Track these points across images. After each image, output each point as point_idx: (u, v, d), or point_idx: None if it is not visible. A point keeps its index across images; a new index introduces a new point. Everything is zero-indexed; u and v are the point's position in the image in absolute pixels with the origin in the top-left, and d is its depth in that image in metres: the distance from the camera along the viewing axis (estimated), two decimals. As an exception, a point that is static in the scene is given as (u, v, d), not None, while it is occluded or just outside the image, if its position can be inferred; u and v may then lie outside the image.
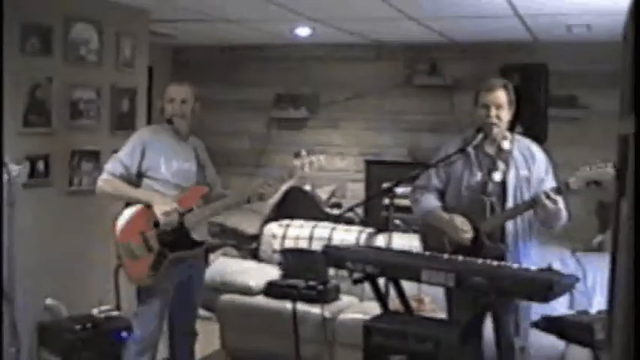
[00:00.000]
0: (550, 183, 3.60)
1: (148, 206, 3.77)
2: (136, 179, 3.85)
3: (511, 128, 3.78)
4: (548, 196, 3.43)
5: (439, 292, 4.85)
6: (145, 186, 3.85)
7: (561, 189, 3.46)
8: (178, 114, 3.93)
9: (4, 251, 3.71)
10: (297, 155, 4.03)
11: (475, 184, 3.69)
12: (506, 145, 3.69)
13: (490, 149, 3.72)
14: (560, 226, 3.63)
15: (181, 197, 3.86)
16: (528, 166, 3.66)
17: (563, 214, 3.55)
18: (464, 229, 3.62)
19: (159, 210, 3.74)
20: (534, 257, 3.69)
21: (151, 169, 3.84)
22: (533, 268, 3.35)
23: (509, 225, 3.61)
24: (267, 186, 3.96)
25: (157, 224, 3.77)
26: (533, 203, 3.50)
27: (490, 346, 3.70)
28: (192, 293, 4.07)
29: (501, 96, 3.66)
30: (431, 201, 3.83)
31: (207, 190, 4.00)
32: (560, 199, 3.45)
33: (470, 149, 3.69)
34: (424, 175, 3.88)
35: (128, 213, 3.82)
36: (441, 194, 3.84)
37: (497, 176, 3.65)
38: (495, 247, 3.59)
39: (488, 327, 3.70)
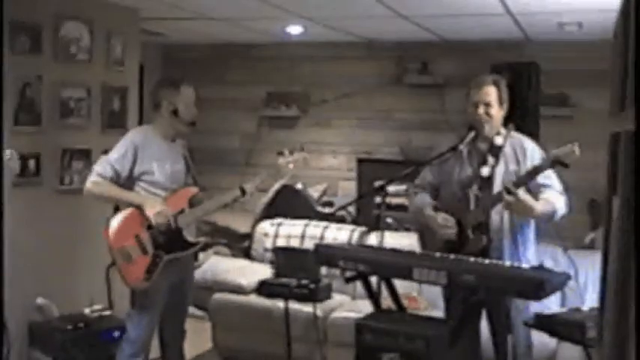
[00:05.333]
0: (543, 174, 3.53)
1: (140, 209, 3.77)
2: (126, 182, 3.84)
3: (505, 124, 3.77)
4: (508, 191, 3.38)
5: (432, 290, 4.88)
6: (139, 189, 3.85)
7: (521, 184, 3.40)
8: (197, 116, 3.97)
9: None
10: (281, 154, 4.08)
11: (465, 178, 3.70)
12: (498, 140, 3.69)
13: (482, 145, 3.72)
14: (550, 220, 3.58)
15: (171, 199, 3.86)
16: (518, 161, 3.64)
17: (538, 208, 3.45)
18: (447, 225, 3.66)
19: (151, 211, 3.74)
20: (530, 256, 3.67)
21: (146, 174, 3.83)
22: (525, 265, 3.36)
23: (494, 220, 3.60)
24: (260, 183, 4.02)
25: (150, 226, 3.77)
26: (499, 197, 3.48)
27: (489, 343, 3.69)
28: (183, 294, 4.08)
29: (490, 92, 3.65)
30: (423, 199, 3.86)
31: (197, 190, 4.01)
32: (521, 193, 3.36)
33: (461, 147, 3.70)
34: (420, 174, 3.93)
35: (120, 217, 3.80)
36: (436, 191, 3.86)
37: (484, 171, 3.65)
38: (476, 240, 3.60)
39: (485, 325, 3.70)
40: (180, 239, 3.86)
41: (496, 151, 3.68)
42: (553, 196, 3.54)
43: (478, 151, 3.73)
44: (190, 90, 3.97)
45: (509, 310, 3.57)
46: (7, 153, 3.73)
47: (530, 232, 3.72)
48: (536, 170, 3.42)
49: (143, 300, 3.86)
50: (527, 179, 3.45)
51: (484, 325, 3.71)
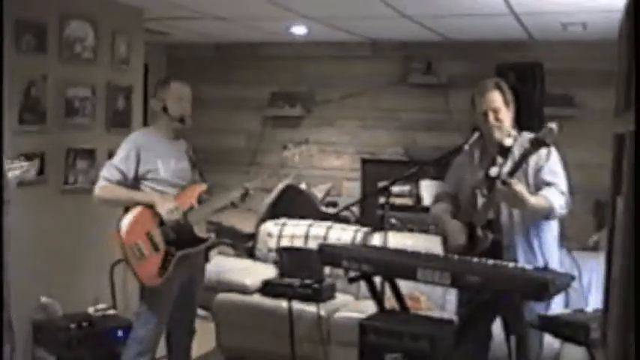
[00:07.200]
0: (548, 171, 3.54)
1: (150, 206, 3.78)
2: (133, 183, 3.86)
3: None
4: (503, 181, 3.35)
5: (438, 291, 4.88)
6: (145, 188, 3.87)
7: (513, 172, 3.39)
8: (188, 113, 3.95)
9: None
10: (286, 147, 4.08)
11: (476, 182, 3.69)
12: (508, 142, 3.67)
13: (492, 148, 3.71)
14: (546, 217, 3.53)
15: (180, 195, 3.87)
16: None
17: (531, 201, 3.40)
18: (457, 231, 3.67)
19: (162, 208, 3.76)
20: (550, 256, 3.61)
21: (150, 172, 3.85)
22: (529, 267, 3.34)
23: (504, 219, 3.59)
24: (266, 179, 4.05)
25: (161, 223, 3.79)
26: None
27: (499, 344, 3.67)
28: (193, 293, 4.08)
29: (496, 98, 3.64)
30: (440, 207, 3.88)
31: (205, 187, 4.01)
32: (514, 183, 3.33)
33: (466, 147, 3.70)
34: (439, 187, 4.04)
35: (131, 215, 3.81)
36: (456, 199, 3.86)
37: (493, 171, 3.64)
38: (484, 239, 3.58)
39: (496, 324, 3.69)
40: (190, 235, 3.88)
41: (505, 152, 3.66)
42: (551, 194, 3.49)
43: (489, 155, 3.72)
44: (179, 85, 3.95)
45: (522, 312, 3.54)
46: (25, 165, 3.75)
47: (550, 232, 3.65)
48: (523, 155, 3.41)
49: (153, 299, 3.86)
50: (518, 166, 3.42)
51: (496, 327, 3.69)
